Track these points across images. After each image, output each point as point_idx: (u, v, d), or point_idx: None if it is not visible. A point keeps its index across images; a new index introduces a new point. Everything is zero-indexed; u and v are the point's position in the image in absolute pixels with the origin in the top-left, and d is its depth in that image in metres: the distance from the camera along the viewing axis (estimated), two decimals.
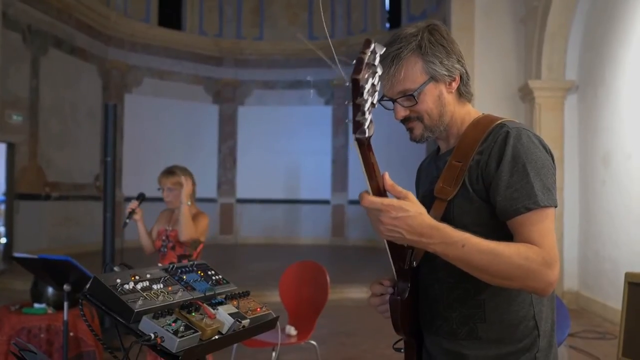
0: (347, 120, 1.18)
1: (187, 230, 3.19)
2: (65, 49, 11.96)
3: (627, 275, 3.01)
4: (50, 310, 3.73)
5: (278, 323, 1.76)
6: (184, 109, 14.83)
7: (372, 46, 1.11)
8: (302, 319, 3.85)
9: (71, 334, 3.53)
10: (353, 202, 15.26)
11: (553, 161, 1.33)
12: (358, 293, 7.93)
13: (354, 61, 1.10)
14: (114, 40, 13.66)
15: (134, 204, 3.40)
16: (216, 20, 15.75)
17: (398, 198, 1.19)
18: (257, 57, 15.81)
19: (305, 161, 15.41)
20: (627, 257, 5.98)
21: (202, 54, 15.31)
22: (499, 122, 1.35)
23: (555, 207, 1.27)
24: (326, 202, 15.56)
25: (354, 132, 1.15)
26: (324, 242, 14.99)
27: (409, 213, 1.16)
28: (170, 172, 3.38)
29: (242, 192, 15.66)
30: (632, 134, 5.98)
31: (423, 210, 1.19)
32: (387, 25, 15.03)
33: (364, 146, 1.18)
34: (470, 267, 1.20)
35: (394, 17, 14.62)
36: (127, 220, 3.38)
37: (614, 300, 6.17)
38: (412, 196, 1.20)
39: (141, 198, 3.47)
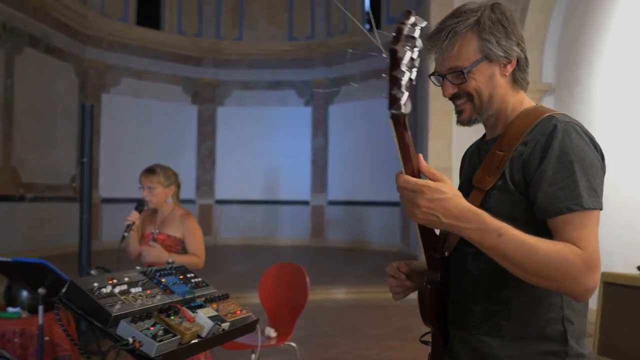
0: (383, 95, 1.10)
1: (192, 263, 3.05)
2: (41, 48, 11.76)
3: (603, 275, 3.07)
4: (24, 314, 3.66)
5: (258, 325, 1.75)
6: (163, 110, 14.70)
7: (413, 18, 1.07)
8: (282, 320, 3.84)
9: (46, 338, 3.47)
10: (332, 203, 15.28)
11: (603, 161, 1.25)
12: (337, 294, 7.94)
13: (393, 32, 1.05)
14: (91, 40, 13.48)
15: (134, 216, 3.23)
16: (195, 20, 15.65)
17: (433, 181, 1.13)
18: (237, 58, 15.75)
19: (284, 162, 15.39)
20: (601, 256, 6.07)
21: (181, 54, 15.20)
22: (548, 114, 1.28)
23: (601, 209, 1.19)
24: (305, 203, 15.56)
25: (390, 107, 1.09)
26: (303, 242, 14.99)
27: (446, 195, 1.11)
28: (150, 170, 3.30)
29: (221, 193, 15.59)
30: (605, 135, 6.10)
31: (459, 193, 1.14)
32: (367, 26, 15.08)
33: (400, 124, 1.12)
34: (504, 259, 1.13)
35: (374, 18, 14.65)
36: (126, 234, 3.21)
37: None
38: (447, 179, 1.15)
39: (140, 209, 3.28)
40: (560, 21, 7.38)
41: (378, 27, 14.20)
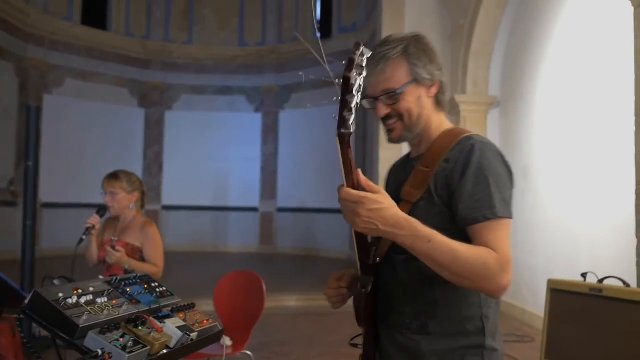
0: (333, 116, 1.22)
1: (150, 273, 2.95)
2: None
3: (550, 282, 3.20)
4: None
5: (224, 335, 1.74)
6: (108, 112, 14.28)
7: (362, 49, 1.18)
8: (237, 329, 3.80)
9: None
10: (282, 210, 15.25)
11: (512, 176, 1.43)
12: (288, 301, 7.93)
13: (344, 61, 1.17)
14: (33, 38, 12.97)
15: (94, 220, 3.14)
16: (144, 22, 15.34)
17: (372, 193, 1.24)
18: (186, 61, 15.53)
19: (234, 168, 15.25)
20: (544, 264, 6.34)
21: (128, 55, 14.84)
22: (466, 134, 1.45)
23: (511, 218, 1.37)
24: (255, 209, 15.46)
25: (339, 127, 1.20)
26: (251, 249, 14.88)
27: (383, 205, 1.23)
28: (113, 175, 3.22)
29: (168, 198, 15.27)
30: (543, 147, 6.40)
31: (394, 203, 1.26)
32: (318, 34, 15.19)
33: (345, 142, 1.23)
34: (433, 262, 1.27)
35: (325, 27, 14.80)
36: (84, 237, 3.12)
37: (531, 304, 6.51)
38: (384, 191, 1.27)
39: (102, 213, 3.20)
40: (506, 37, 7.67)
41: (329, 36, 14.31)
